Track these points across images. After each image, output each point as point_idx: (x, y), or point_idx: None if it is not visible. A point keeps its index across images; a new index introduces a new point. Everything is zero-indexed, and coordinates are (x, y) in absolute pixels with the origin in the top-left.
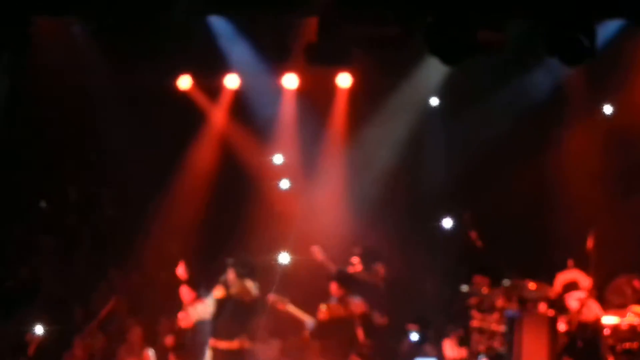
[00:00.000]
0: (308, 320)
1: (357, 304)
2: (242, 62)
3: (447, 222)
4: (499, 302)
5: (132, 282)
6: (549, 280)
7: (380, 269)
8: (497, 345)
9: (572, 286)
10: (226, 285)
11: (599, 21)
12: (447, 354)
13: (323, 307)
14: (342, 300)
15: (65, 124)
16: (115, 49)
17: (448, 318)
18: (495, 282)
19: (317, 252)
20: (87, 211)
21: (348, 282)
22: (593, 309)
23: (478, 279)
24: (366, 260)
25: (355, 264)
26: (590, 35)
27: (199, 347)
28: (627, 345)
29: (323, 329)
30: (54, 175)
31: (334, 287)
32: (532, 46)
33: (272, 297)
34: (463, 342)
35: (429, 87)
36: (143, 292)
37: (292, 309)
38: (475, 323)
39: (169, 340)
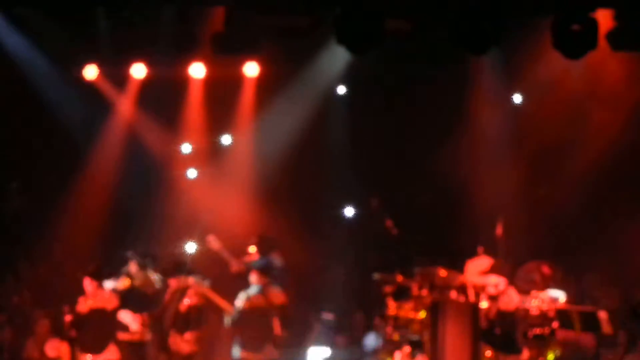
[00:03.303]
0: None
1: (277, 295)
2: (149, 52)
3: (349, 211)
4: (413, 290)
5: (40, 274)
6: (459, 267)
7: (276, 257)
8: (413, 333)
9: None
10: (130, 277)
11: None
12: None
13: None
14: (263, 290)
15: None
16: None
17: (359, 306)
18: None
19: (213, 242)
20: None
21: (269, 270)
22: (512, 297)
23: None
24: (262, 249)
25: (252, 254)
26: (496, 25)
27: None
28: (538, 330)
29: (241, 319)
30: None
31: (255, 276)
32: (439, 35)
33: (191, 280)
34: None
35: (335, 75)
36: (50, 283)
37: (210, 294)
38: (390, 311)
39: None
